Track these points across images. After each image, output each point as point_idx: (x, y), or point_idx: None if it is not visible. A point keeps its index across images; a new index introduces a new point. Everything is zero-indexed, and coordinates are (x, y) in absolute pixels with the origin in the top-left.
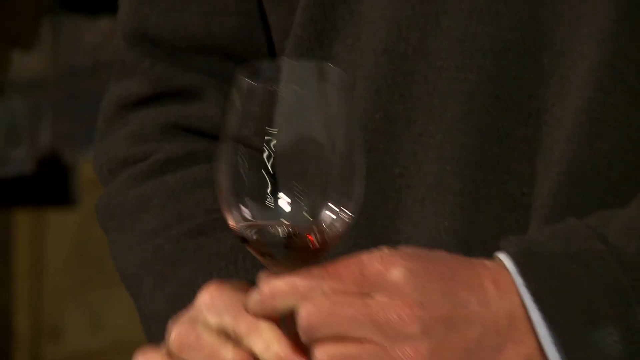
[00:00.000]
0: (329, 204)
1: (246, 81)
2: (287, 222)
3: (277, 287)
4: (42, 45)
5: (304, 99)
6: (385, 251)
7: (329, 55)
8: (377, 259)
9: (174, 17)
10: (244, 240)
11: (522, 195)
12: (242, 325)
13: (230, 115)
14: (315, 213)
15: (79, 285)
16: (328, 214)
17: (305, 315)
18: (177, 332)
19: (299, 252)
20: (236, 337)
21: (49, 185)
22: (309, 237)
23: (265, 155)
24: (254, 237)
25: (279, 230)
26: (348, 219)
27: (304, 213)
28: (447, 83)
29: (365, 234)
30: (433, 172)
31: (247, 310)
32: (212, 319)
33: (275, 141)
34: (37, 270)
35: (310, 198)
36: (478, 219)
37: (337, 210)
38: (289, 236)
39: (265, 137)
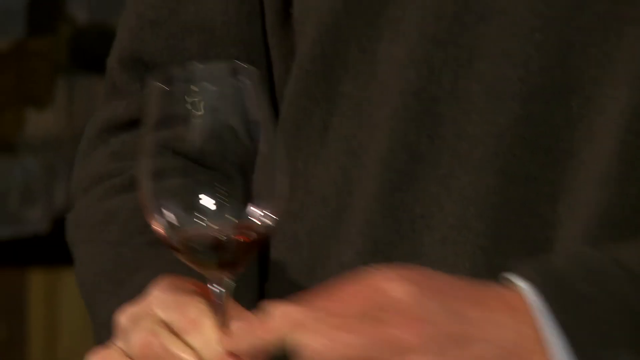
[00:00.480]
0: (253, 205)
1: (160, 85)
2: (213, 226)
3: (271, 320)
4: (57, 105)
5: (219, 98)
6: (384, 269)
7: (337, 92)
8: (378, 277)
9: (172, 44)
10: (173, 247)
11: (546, 238)
12: (182, 320)
13: (147, 122)
14: (240, 215)
15: (94, 346)
16: (253, 215)
17: (312, 346)
18: (140, 340)
19: (228, 255)
20: (178, 332)
21: (64, 244)
22: (238, 238)
23: (184, 158)
24: (182, 243)
25: (206, 235)
26: (274, 218)
27: (229, 216)
28: (475, 126)
29: None
30: (455, 213)
31: (230, 338)
32: (160, 314)
33: (194, 143)
34: (52, 330)
35: (234, 200)
36: (499, 261)
37: (262, 210)
38: (217, 240)
39: (184, 141)
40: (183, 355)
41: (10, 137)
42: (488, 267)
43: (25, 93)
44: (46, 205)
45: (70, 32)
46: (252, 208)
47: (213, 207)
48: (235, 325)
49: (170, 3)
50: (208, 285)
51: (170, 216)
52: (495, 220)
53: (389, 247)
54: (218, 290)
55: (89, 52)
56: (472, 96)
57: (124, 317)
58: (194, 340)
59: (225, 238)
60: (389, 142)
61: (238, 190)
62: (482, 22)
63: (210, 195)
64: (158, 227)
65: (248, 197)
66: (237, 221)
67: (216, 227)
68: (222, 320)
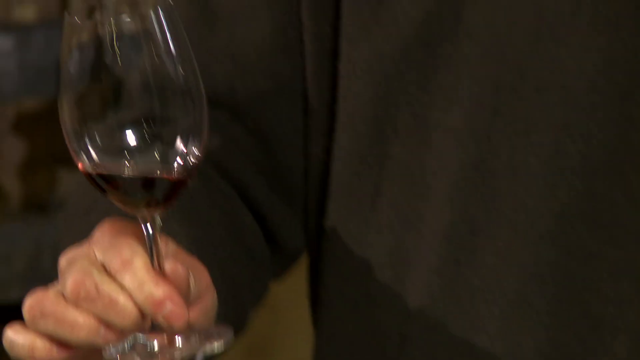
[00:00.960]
0: (177, 141)
1: (75, 19)
2: (137, 164)
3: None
4: None
5: (135, 31)
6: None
7: (386, 155)
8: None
9: (199, 63)
10: (101, 188)
11: (609, 315)
12: (115, 261)
13: (66, 55)
14: (165, 153)
15: None
16: (178, 153)
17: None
18: (73, 280)
19: (155, 194)
20: (112, 273)
21: None
22: (164, 176)
23: (106, 95)
24: (109, 183)
25: (131, 173)
26: (198, 154)
27: (155, 153)
28: (535, 200)
29: (443, 347)
30: (515, 289)
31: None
32: (97, 254)
33: (115, 79)
34: None
35: (158, 137)
36: (562, 338)
37: (187, 148)
38: (143, 179)
39: (104, 76)
40: (113, 294)
41: (43, 197)
42: (551, 344)
43: (57, 153)
44: None
45: None
46: (177, 146)
47: (138, 146)
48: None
49: (202, 28)
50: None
51: (94, 154)
52: (556, 296)
53: (448, 320)
54: (148, 230)
55: None
56: (530, 169)
57: (64, 259)
58: (126, 280)
59: (151, 176)
60: (450, 214)
61: (162, 128)
62: (540, 95)
63: (135, 133)
64: (83, 166)
65: (173, 135)
66: (161, 159)
67: (142, 166)
68: (155, 259)
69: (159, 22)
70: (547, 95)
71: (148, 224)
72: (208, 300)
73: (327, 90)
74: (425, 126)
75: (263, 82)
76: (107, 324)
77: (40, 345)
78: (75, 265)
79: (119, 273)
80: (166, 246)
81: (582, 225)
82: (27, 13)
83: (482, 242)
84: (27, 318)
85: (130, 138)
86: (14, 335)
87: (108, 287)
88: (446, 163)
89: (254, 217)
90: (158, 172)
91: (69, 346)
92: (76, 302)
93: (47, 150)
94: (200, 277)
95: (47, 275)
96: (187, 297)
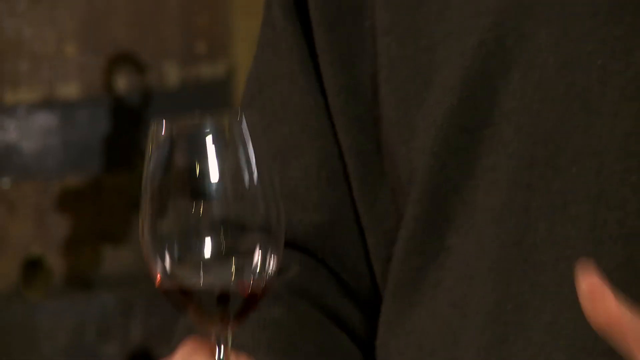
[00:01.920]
0: (255, 256)
1: (167, 133)
2: (212, 278)
3: None
4: (133, 241)
5: (226, 155)
6: None
7: (442, 247)
8: None
9: None
10: (172, 301)
11: None
12: None
13: (150, 168)
14: (240, 266)
15: None
16: (254, 265)
17: None
18: None
19: (229, 309)
20: None
21: None
22: (239, 291)
23: (186, 211)
24: (184, 298)
25: (205, 287)
26: (274, 269)
27: (230, 267)
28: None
29: None
30: None
31: None
32: None
33: (197, 197)
34: None
35: (234, 249)
36: None
37: (263, 262)
38: (218, 293)
39: (187, 192)
40: None
41: (87, 273)
42: None
43: (101, 229)
44: (122, 341)
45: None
46: (253, 259)
47: (214, 259)
48: None
49: None
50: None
51: (169, 268)
52: None
53: None
54: (219, 346)
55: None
56: (570, 241)
57: None
58: None
59: (225, 290)
60: (494, 293)
61: (240, 243)
62: (574, 166)
63: (212, 245)
64: (158, 278)
65: (250, 248)
66: (236, 273)
67: (216, 280)
68: None
69: (239, 130)
70: (582, 166)
71: (220, 340)
72: None
73: (380, 200)
74: (473, 210)
75: (316, 214)
76: None
77: None
78: None
79: None
80: None
81: (627, 294)
82: (71, 90)
83: (529, 319)
84: None
85: (207, 250)
86: None
87: None
88: (486, 243)
89: (350, 338)
90: (232, 286)
91: None
92: None
93: (91, 227)
94: None
95: (90, 351)
96: None
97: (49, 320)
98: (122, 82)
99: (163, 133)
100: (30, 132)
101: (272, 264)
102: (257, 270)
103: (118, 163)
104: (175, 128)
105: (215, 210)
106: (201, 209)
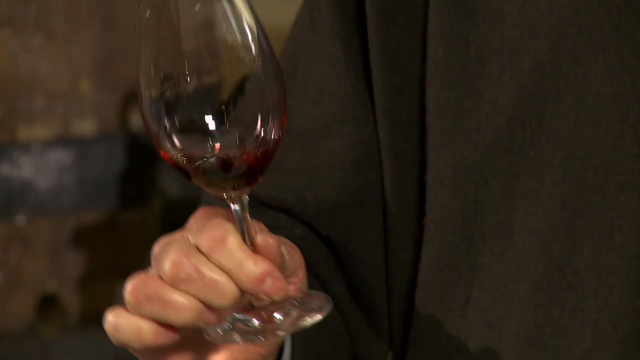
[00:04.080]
0: (258, 122)
1: (150, 12)
2: (218, 146)
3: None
4: None
5: (212, 17)
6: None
7: (475, 264)
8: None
9: (271, 177)
10: (185, 173)
11: None
12: (208, 241)
13: (144, 47)
14: (244, 134)
15: None
16: (258, 133)
17: None
18: (172, 262)
19: (239, 174)
20: (206, 253)
21: None
22: (244, 157)
23: (185, 83)
24: (191, 167)
25: (213, 156)
26: (279, 133)
27: (235, 135)
28: (619, 299)
29: None
30: None
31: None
32: (189, 237)
33: (192, 67)
34: None
35: (238, 120)
36: None
37: (267, 126)
38: (225, 161)
39: (183, 64)
40: (214, 275)
41: (102, 310)
42: None
43: (116, 265)
44: None
45: (161, 205)
46: (256, 127)
47: (218, 129)
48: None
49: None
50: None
51: (176, 140)
52: None
53: None
54: (236, 210)
55: (180, 225)
56: (614, 269)
57: (158, 245)
58: (224, 260)
59: (230, 158)
60: (534, 317)
61: (241, 111)
62: (622, 194)
63: (215, 116)
64: (165, 153)
65: (253, 117)
66: (242, 141)
67: (223, 148)
68: (246, 237)
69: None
70: (630, 195)
71: (236, 205)
72: (301, 276)
73: (412, 204)
74: (510, 231)
75: (333, 194)
76: (208, 305)
77: (147, 327)
78: (170, 247)
79: (214, 252)
80: (256, 224)
81: None
82: (86, 127)
83: (568, 344)
84: (131, 301)
85: (210, 122)
86: (118, 319)
87: (207, 268)
88: (529, 265)
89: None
90: (238, 153)
91: (174, 328)
92: (176, 283)
93: (106, 262)
94: (292, 253)
95: None
96: (283, 269)
97: (64, 357)
98: (137, 119)
99: None
100: (45, 169)
101: (275, 130)
102: (260, 137)
103: (133, 199)
104: None
105: (216, 84)
106: (202, 82)
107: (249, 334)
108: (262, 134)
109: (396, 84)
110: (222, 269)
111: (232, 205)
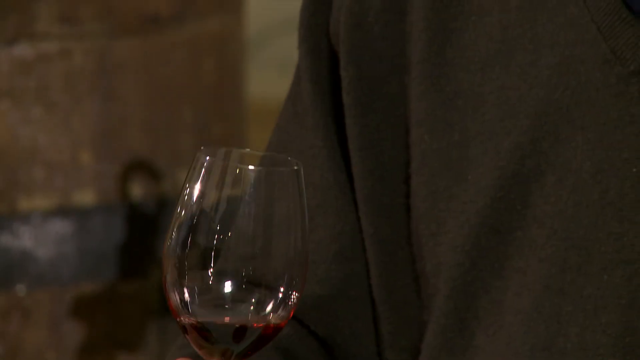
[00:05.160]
0: (276, 297)
1: (210, 159)
2: (231, 315)
3: None
4: (149, 348)
5: (262, 200)
6: None
7: (470, 345)
8: None
9: None
10: (183, 327)
11: None
12: None
13: (187, 194)
14: (260, 306)
15: None
16: (274, 306)
17: None
18: None
19: (242, 344)
20: None
21: None
22: (255, 327)
23: (214, 245)
24: (198, 329)
25: (224, 324)
26: (293, 307)
27: (250, 307)
28: None
29: None
30: None
31: None
32: None
33: (226, 232)
34: None
35: (257, 291)
36: None
37: (284, 301)
38: (236, 329)
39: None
40: None
41: None
42: None
43: (116, 337)
44: None
45: (160, 274)
46: (269, 299)
47: (233, 294)
48: None
49: None
50: None
51: (187, 296)
52: None
53: None
54: None
55: None
56: (600, 348)
57: None
58: None
59: (242, 326)
60: None
61: (261, 283)
62: (605, 273)
63: (233, 286)
64: (172, 303)
65: (272, 290)
66: (257, 313)
67: (235, 317)
68: None
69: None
70: (613, 274)
71: None
72: None
73: (403, 291)
74: (502, 312)
75: (317, 288)
76: None
77: None
78: None
79: None
80: None
81: None
82: (85, 197)
83: None
84: None
85: (226, 291)
86: None
87: None
88: (516, 345)
89: None
90: (250, 323)
91: None
92: None
93: (106, 334)
94: None
95: None
96: None
97: None
98: (137, 190)
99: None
100: (45, 239)
101: (281, 316)
102: (267, 318)
103: (133, 270)
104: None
105: (240, 253)
106: (227, 249)
107: None
108: (268, 316)
109: (377, 171)
110: None
111: None
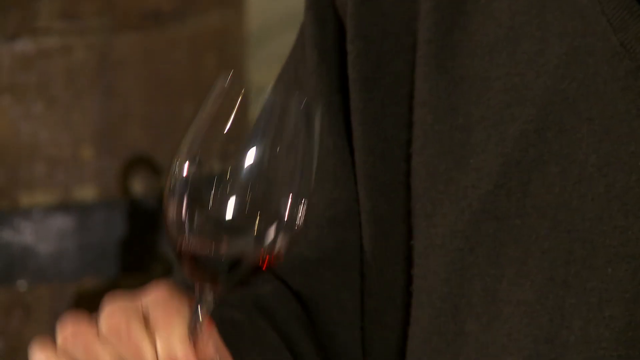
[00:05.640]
0: (276, 228)
1: (226, 82)
2: (228, 242)
3: None
4: None
5: (276, 127)
6: None
7: (461, 332)
8: None
9: None
10: (181, 257)
11: None
12: (158, 318)
13: (200, 120)
14: (259, 236)
15: None
16: (273, 238)
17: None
18: (111, 316)
19: (245, 272)
20: (149, 326)
21: None
22: (258, 257)
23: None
24: (195, 255)
25: (224, 249)
26: (295, 236)
27: (249, 236)
28: None
29: None
30: None
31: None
32: (144, 305)
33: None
34: None
35: (257, 221)
36: None
37: (283, 233)
38: (236, 257)
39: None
40: (142, 344)
41: None
42: None
43: None
44: None
45: (162, 271)
46: (269, 230)
47: (233, 221)
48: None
49: None
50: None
51: (185, 218)
52: None
53: None
54: (199, 304)
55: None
56: (603, 342)
57: (110, 300)
58: (160, 338)
59: (238, 255)
60: None
61: (265, 212)
62: (610, 266)
63: (236, 213)
64: (169, 223)
65: (274, 219)
66: (259, 241)
67: (231, 243)
68: (193, 333)
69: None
70: (617, 267)
71: (202, 298)
72: None
73: (396, 269)
74: (496, 301)
75: (306, 250)
76: None
77: None
78: (120, 305)
79: (157, 330)
80: (210, 330)
81: None
82: (87, 193)
83: None
84: (60, 337)
85: (230, 220)
86: (40, 354)
87: (140, 336)
88: (517, 337)
89: None
90: (255, 253)
91: None
92: (107, 337)
93: None
94: None
95: None
96: None
97: None
98: (138, 186)
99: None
100: (46, 235)
101: (279, 246)
102: (266, 247)
103: (134, 266)
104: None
105: (245, 180)
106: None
107: None
108: (265, 246)
109: (378, 147)
110: (154, 346)
111: (197, 298)
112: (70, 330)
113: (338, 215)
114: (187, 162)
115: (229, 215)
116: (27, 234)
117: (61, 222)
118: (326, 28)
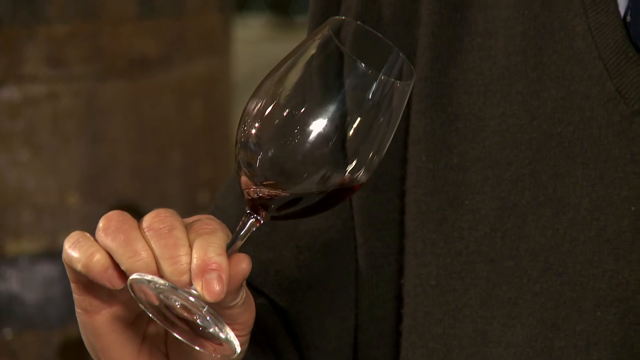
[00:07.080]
0: (341, 174)
1: (329, 34)
2: (292, 177)
3: None
4: None
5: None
6: None
7: None
8: None
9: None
10: (239, 164)
11: None
12: (201, 224)
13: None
14: (323, 179)
15: None
16: (336, 181)
17: None
18: (157, 212)
19: (283, 205)
20: (195, 230)
21: None
22: (313, 192)
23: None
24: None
25: (283, 181)
26: (354, 186)
27: (315, 177)
28: None
29: None
30: None
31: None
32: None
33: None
34: None
35: (324, 168)
36: None
37: (347, 180)
38: (293, 189)
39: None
40: (180, 241)
41: None
42: None
43: None
44: None
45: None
46: (334, 175)
47: (299, 163)
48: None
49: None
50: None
51: (256, 136)
52: None
53: None
54: (247, 222)
55: None
56: None
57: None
58: (199, 238)
59: (300, 190)
60: None
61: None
62: (598, 310)
63: (301, 153)
64: (240, 139)
65: (343, 159)
66: (316, 180)
67: (294, 178)
68: (231, 247)
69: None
70: (606, 311)
71: (251, 218)
72: (245, 323)
73: (385, 306)
74: (486, 342)
75: (296, 272)
76: (159, 266)
77: (100, 258)
78: (167, 210)
79: (196, 238)
80: (244, 256)
81: None
82: None
83: None
84: (102, 226)
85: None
86: (82, 237)
87: (179, 233)
88: None
89: None
90: (298, 186)
91: (122, 277)
92: (146, 230)
93: None
94: (250, 302)
95: None
96: (233, 290)
97: None
98: None
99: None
100: (32, 283)
101: (352, 181)
102: (326, 188)
103: None
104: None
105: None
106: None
107: (164, 297)
108: (331, 182)
109: (373, 183)
110: (192, 246)
111: (246, 216)
112: (114, 217)
113: (332, 241)
114: (262, 102)
115: (298, 157)
116: (13, 282)
117: (47, 270)
118: (329, 60)
